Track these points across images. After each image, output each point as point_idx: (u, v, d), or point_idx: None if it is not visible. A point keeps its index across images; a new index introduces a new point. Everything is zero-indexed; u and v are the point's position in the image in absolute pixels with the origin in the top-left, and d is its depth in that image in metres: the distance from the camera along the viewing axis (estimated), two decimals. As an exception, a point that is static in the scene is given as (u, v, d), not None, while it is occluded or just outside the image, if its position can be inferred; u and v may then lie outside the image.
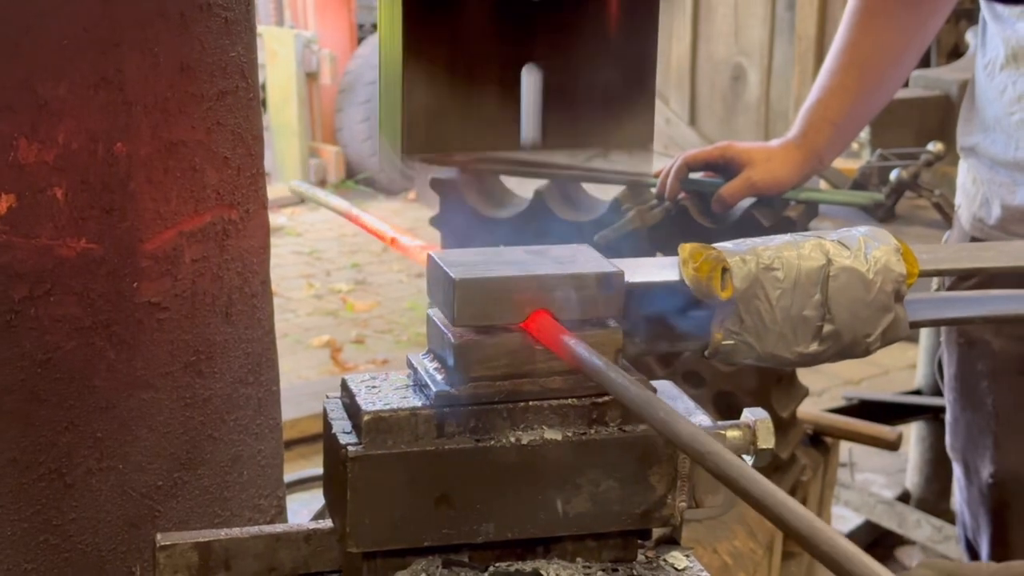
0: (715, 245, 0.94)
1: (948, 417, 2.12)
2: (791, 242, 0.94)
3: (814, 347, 0.94)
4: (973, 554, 2.13)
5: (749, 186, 2.06)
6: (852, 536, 3.65)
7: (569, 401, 0.88)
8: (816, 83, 2.10)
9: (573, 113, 0.80)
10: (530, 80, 0.80)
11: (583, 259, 0.90)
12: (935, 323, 1.04)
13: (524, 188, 2.27)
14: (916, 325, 0.99)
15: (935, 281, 1.90)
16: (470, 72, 0.81)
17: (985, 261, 1.04)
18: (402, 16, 0.79)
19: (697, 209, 2.12)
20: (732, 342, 0.93)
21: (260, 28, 9.06)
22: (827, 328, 0.94)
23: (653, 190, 2.16)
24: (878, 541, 3.71)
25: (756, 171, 2.05)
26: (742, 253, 0.93)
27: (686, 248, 0.93)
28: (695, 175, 2.14)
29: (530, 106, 0.82)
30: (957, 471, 2.14)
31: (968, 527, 2.13)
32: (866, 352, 0.97)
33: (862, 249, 0.95)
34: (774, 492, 0.67)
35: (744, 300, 0.92)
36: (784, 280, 0.92)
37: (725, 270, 0.92)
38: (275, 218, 7.94)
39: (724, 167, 2.10)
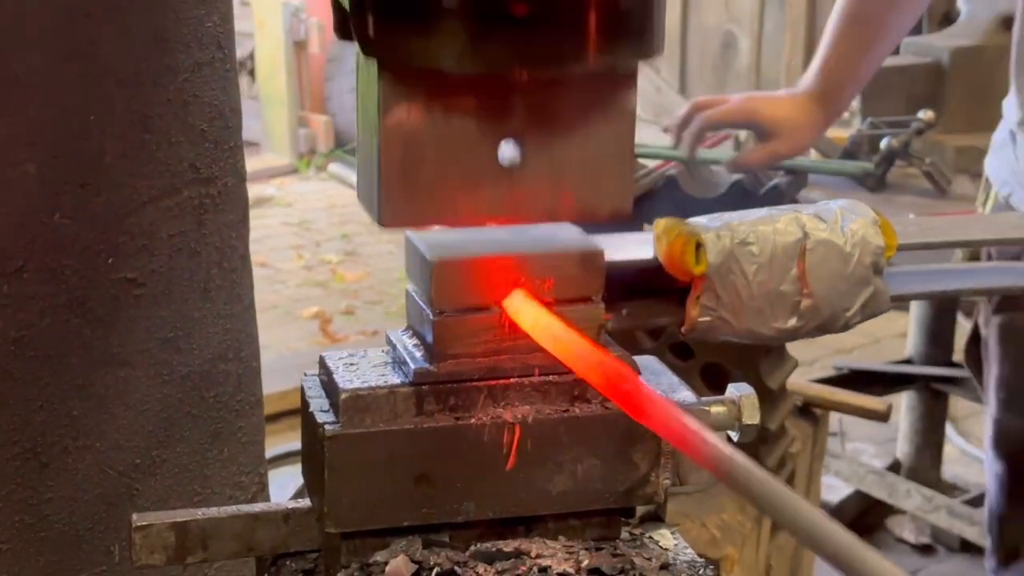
0: (689, 220, 0.92)
1: (991, 415, 2.02)
2: (767, 216, 0.93)
3: (792, 322, 0.93)
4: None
5: (774, 158, 2.01)
6: (842, 506, 3.65)
7: (550, 378, 0.87)
8: (828, 38, 2.01)
9: (551, 185, 0.80)
10: (508, 153, 0.80)
11: (563, 237, 0.89)
12: (920, 296, 1.03)
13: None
14: (900, 299, 0.97)
15: (959, 253, 1.83)
16: (448, 145, 0.80)
17: (971, 234, 1.03)
18: (379, 90, 0.78)
19: (687, 179, 2.11)
20: (708, 318, 0.92)
21: (248, -3, 9.00)
22: (805, 303, 0.92)
23: (642, 161, 2.15)
24: (868, 511, 3.72)
25: (783, 143, 1.98)
26: (717, 228, 0.91)
27: (660, 224, 0.91)
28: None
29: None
30: (998, 468, 2.04)
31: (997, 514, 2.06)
32: (846, 327, 0.95)
33: (839, 222, 0.93)
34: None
35: (720, 276, 0.91)
36: (760, 255, 0.91)
37: (699, 245, 0.90)
38: (264, 188, 7.91)
39: (747, 128, 2.05)
